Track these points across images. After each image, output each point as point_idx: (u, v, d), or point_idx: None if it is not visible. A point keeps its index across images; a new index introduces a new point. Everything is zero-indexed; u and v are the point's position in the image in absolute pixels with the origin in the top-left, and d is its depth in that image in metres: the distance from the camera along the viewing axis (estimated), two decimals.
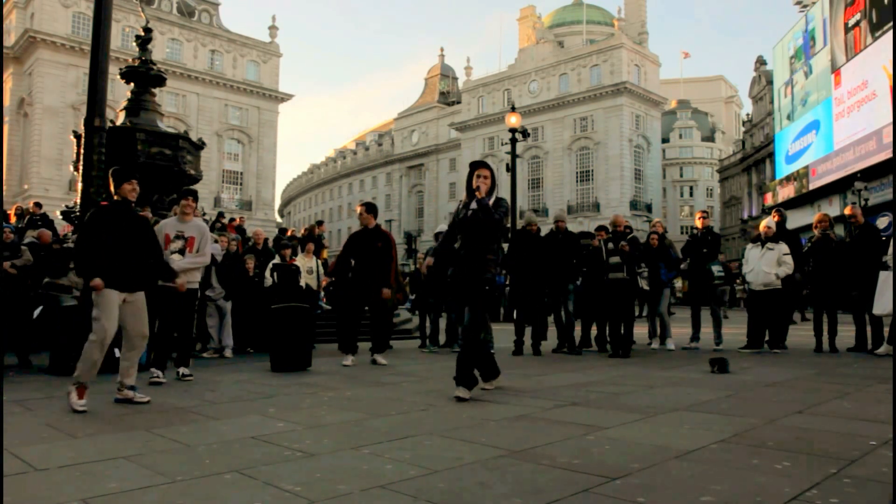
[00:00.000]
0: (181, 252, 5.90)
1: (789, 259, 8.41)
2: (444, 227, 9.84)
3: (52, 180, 45.14)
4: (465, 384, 4.70)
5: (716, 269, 9.04)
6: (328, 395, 5.06)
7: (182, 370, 6.12)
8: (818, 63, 33.53)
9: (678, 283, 11.98)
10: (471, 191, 4.94)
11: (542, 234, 9.29)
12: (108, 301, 4.49)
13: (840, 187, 30.23)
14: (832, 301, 8.54)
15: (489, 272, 4.90)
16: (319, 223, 13.30)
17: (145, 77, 11.98)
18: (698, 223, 9.48)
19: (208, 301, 8.63)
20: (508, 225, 9.47)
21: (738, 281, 12.86)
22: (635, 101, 60.63)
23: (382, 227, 7.91)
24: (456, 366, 4.77)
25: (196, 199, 6.19)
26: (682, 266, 9.65)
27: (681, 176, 77.25)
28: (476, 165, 5.04)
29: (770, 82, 47.71)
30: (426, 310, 10.09)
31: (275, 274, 8.89)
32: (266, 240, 10.41)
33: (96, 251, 4.51)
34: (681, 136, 78.06)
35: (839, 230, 9.56)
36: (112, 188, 4.75)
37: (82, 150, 7.27)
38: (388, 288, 7.50)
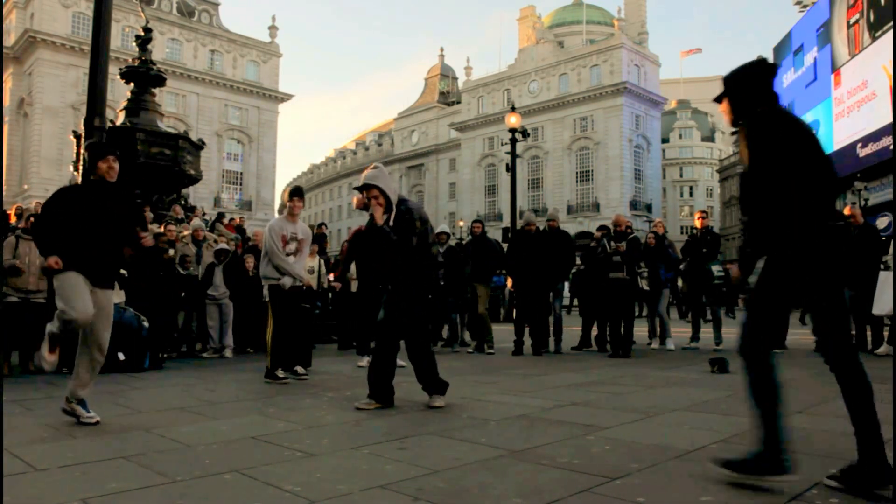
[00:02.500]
0: (294, 254, 5.99)
1: None
2: (444, 227, 9.90)
3: (52, 180, 45.05)
4: (438, 391, 4.54)
5: (716, 269, 9.04)
6: (328, 395, 5.06)
7: (299, 369, 6.19)
8: (818, 63, 33.52)
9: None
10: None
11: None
12: (71, 284, 3.78)
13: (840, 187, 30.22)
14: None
15: (426, 283, 4.62)
16: (321, 225, 13.25)
17: (145, 77, 11.99)
18: (697, 223, 9.49)
19: (209, 301, 8.64)
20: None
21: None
22: (635, 101, 60.59)
23: None
24: (419, 379, 4.57)
25: (302, 199, 6.15)
26: (680, 266, 9.66)
27: (681, 176, 77.25)
28: (360, 190, 4.55)
29: None
30: None
31: None
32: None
33: (53, 230, 3.88)
34: (681, 136, 78.06)
35: None
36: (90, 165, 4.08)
37: (82, 150, 7.27)
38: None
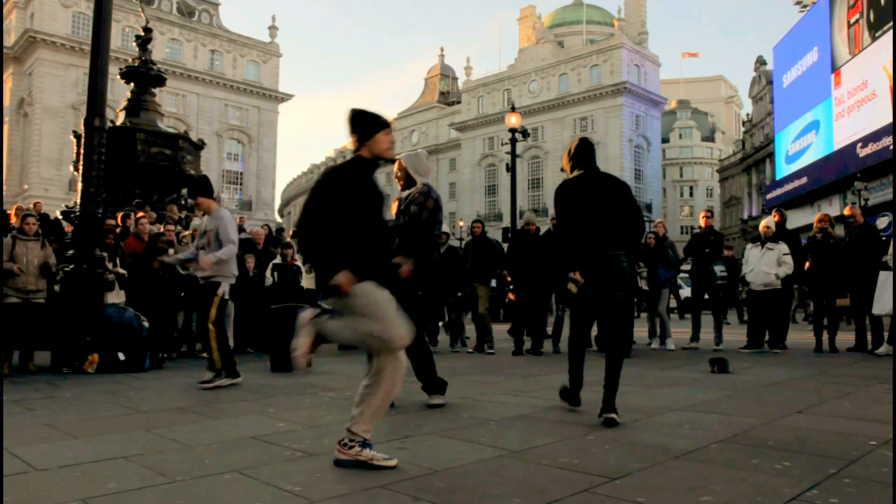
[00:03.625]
0: (204, 248, 5.90)
1: (789, 259, 8.41)
2: (444, 227, 9.87)
3: (52, 180, 45.16)
4: (437, 390, 4.50)
5: (718, 270, 9.01)
6: (328, 395, 5.05)
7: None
8: (818, 63, 33.52)
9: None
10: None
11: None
12: (384, 299, 2.94)
13: (840, 187, 30.20)
14: (831, 301, 8.55)
15: (424, 270, 4.47)
16: None
17: (145, 77, 11.99)
18: (702, 222, 9.44)
19: None
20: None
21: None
22: (635, 101, 60.63)
23: None
24: (419, 377, 4.50)
25: (198, 194, 6.08)
26: (683, 266, 9.64)
27: (681, 176, 77.25)
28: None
29: (770, 82, 47.70)
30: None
31: (275, 274, 8.87)
32: (267, 236, 10.40)
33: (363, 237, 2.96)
34: (681, 136, 78.08)
35: (839, 230, 9.57)
36: (356, 138, 3.06)
37: (82, 150, 7.27)
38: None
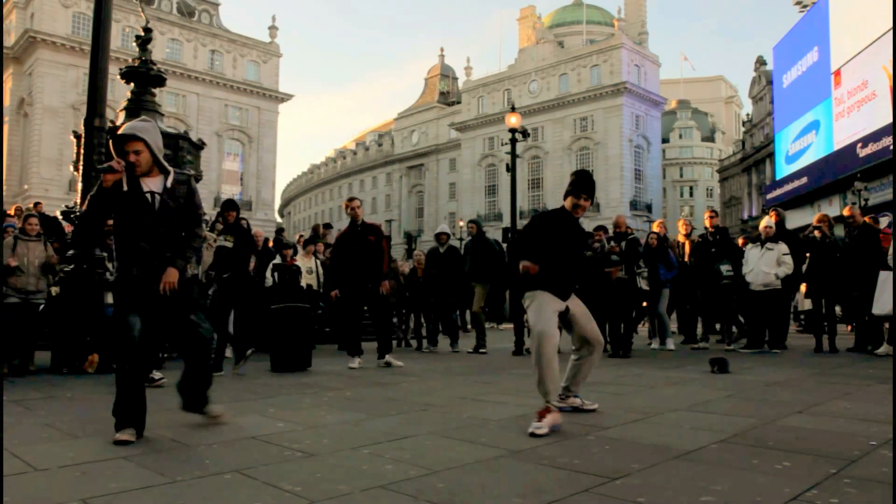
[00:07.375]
0: None
1: (789, 259, 8.41)
2: (444, 227, 9.89)
3: (52, 180, 45.11)
4: (124, 423, 3.45)
5: (724, 269, 8.99)
6: (328, 395, 5.06)
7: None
8: (818, 63, 33.51)
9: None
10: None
11: None
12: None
13: (840, 187, 30.19)
14: (829, 301, 8.55)
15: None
16: (326, 226, 13.02)
17: (145, 77, 11.96)
18: (707, 222, 9.36)
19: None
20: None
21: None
22: (635, 101, 60.57)
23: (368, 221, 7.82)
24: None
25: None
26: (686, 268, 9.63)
27: (681, 176, 77.24)
28: (123, 140, 3.55)
29: (770, 82, 47.68)
30: (424, 310, 10.08)
31: (275, 274, 8.87)
32: (266, 239, 10.38)
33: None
34: (681, 136, 78.08)
35: (839, 230, 9.55)
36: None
37: (82, 150, 7.27)
38: (386, 280, 7.43)
